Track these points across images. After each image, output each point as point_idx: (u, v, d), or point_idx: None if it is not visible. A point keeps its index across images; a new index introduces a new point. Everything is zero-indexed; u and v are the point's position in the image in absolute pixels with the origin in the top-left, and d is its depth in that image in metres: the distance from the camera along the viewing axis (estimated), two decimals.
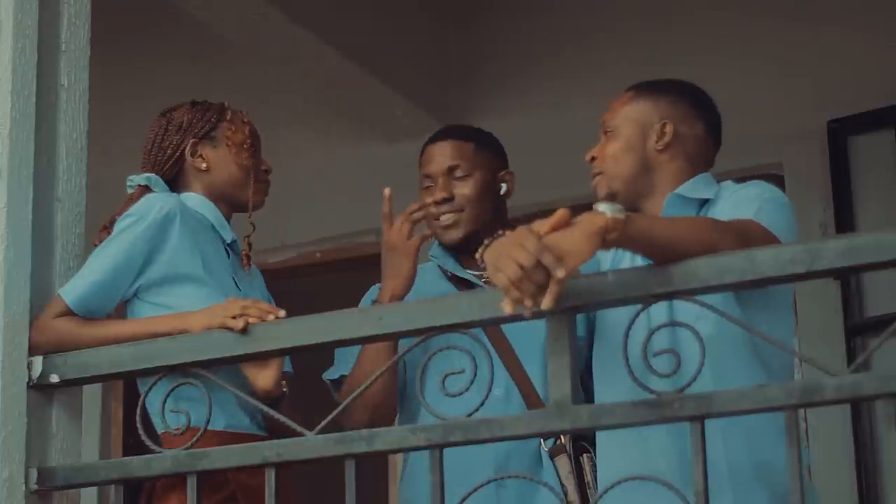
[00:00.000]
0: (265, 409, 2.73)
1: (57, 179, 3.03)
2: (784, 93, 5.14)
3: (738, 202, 2.85)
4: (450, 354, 2.52)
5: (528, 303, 2.32)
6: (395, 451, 3.02)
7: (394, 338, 2.86)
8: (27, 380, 2.87)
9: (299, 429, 2.63)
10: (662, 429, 2.44)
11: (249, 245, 3.18)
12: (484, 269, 3.21)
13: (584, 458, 3.10)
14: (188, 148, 3.14)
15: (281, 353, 2.81)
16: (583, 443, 3.11)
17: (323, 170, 5.84)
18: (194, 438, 2.69)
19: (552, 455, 3.11)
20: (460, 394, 2.45)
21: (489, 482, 2.55)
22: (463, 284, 3.26)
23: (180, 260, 2.99)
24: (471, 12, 5.83)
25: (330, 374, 3.24)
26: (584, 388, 3.05)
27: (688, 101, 3.02)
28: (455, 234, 3.27)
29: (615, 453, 2.87)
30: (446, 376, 2.47)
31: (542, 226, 2.34)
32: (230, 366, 2.83)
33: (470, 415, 2.48)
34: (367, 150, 5.79)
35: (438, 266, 3.32)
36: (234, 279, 3.08)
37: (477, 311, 2.53)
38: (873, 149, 5.06)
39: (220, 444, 2.77)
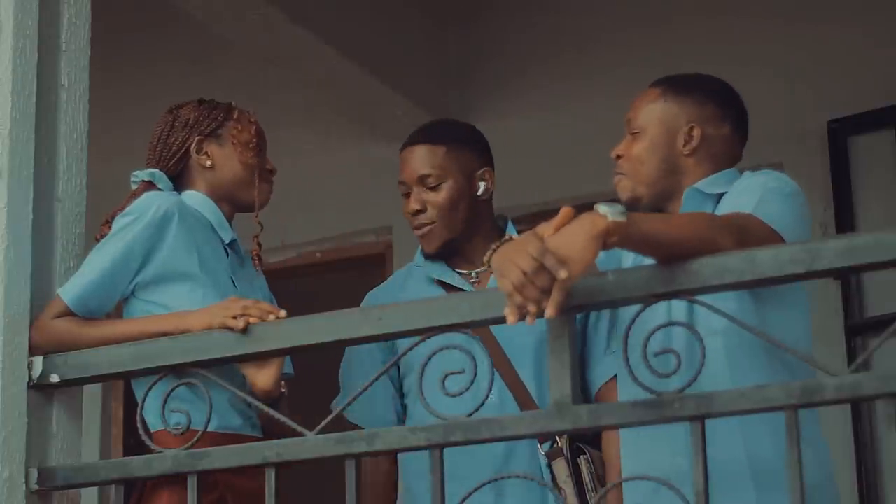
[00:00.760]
0: (265, 408, 2.73)
1: (57, 179, 3.03)
2: (784, 93, 5.14)
3: (741, 192, 2.83)
4: (449, 354, 2.52)
5: (532, 308, 2.32)
6: (395, 451, 3.02)
7: (394, 338, 2.86)
8: (27, 380, 2.87)
9: (299, 429, 2.63)
10: (681, 427, 2.42)
11: (259, 245, 3.18)
12: (474, 268, 3.23)
13: (581, 461, 3.09)
14: (194, 145, 3.14)
15: (281, 353, 2.81)
16: (579, 444, 3.11)
17: (323, 170, 5.84)
18: (194, 439, 2.69)
19: (549, 458, 3.10)
20: (460, 394, 2.44)
21: (488, 482, 2.54)
22: (451, 288, 3.24)
23: (177, 259, 2.99)
24: (471, 12, 5.83)
25: (349, 415, 3.21)
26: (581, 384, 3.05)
27: (715, 101, 2.99)
28: (431, 245, 3.25)
29: (636, 452, 2.85)
30: (446, 376, 2.47)
31: (546, 228, 2.34)
32: (228, 366, 2.83)
33: (470, 415, 2.48)
34: (367, 150, 5.79)
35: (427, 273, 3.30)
36: (231, 279, 3.08)
37: (477, 312, 2.53)
38: (873, 149, 5.06)
39: (211, 445, 2.76)
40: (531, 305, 2.32)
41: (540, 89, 5.59)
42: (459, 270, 3.25)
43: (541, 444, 3.11)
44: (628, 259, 2.89)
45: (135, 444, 3.11)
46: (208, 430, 2.82)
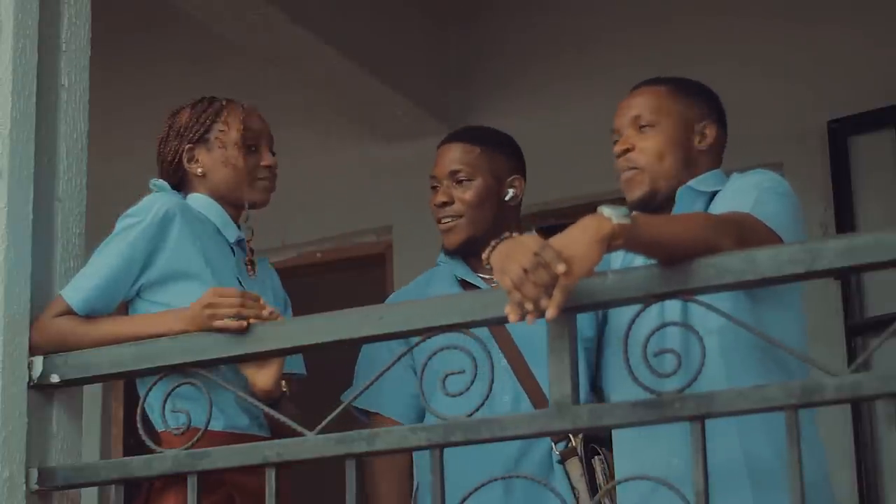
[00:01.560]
0: (264, 408, 2.73)
1: (57, 179, 3.03)
2: (784, 93, 5.14)
3: (736, 192, 2.84)
4: (450, 354, 2.51)
5: (530, 306, 2.32)
6: (395, 451, 3.01)
7: (394, 337, 2.86)
8: (27, 380, 2.87)
9: (300, 429, 2.63)
10: (676, 427, 2.42)
11: (251, 250, 3.14)
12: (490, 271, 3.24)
13: (596, 461, 3.09)
14: (185, 154, 3.12)
15: (281, 353, 2.81)
16: (594, 445, 3.10)
17: (323, 170, 5.84)
18: (195, 438, 2.69)
19: (563, 458, 3.10)
20: (460, 394, 2.44)
21: (494, 480, 2.54)
22: (472, 288, 3.25)
23: (181, 258, 2.99)
24: (471, 12, 5.83)
25: (360, 404, 3.22)
26: (594, 387, 3.04)
27: (712, 103, 3.03)
28: (453, 239, 3.27)
29: (631, 452, 2.86)
30: (447, 376, 2.46)
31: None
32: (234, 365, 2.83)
33: (470, 415, 2.48)
34: (367, 150, 5.79)
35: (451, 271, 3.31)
36: (238, 278, 3.07)
37: (478, 311, 2.53)
38: (873, 149, 5.06)
39: (219, 445, 2.76)
40: (529, 303, 2.32)
41: (540, 89, 5.59)
42: (483, 276, 3.26)
43: (555, 443, 3.11)
44: (618, 259, 2.89)
45: (135, 444, 3.11)
46: (215, 429, 2.83)
